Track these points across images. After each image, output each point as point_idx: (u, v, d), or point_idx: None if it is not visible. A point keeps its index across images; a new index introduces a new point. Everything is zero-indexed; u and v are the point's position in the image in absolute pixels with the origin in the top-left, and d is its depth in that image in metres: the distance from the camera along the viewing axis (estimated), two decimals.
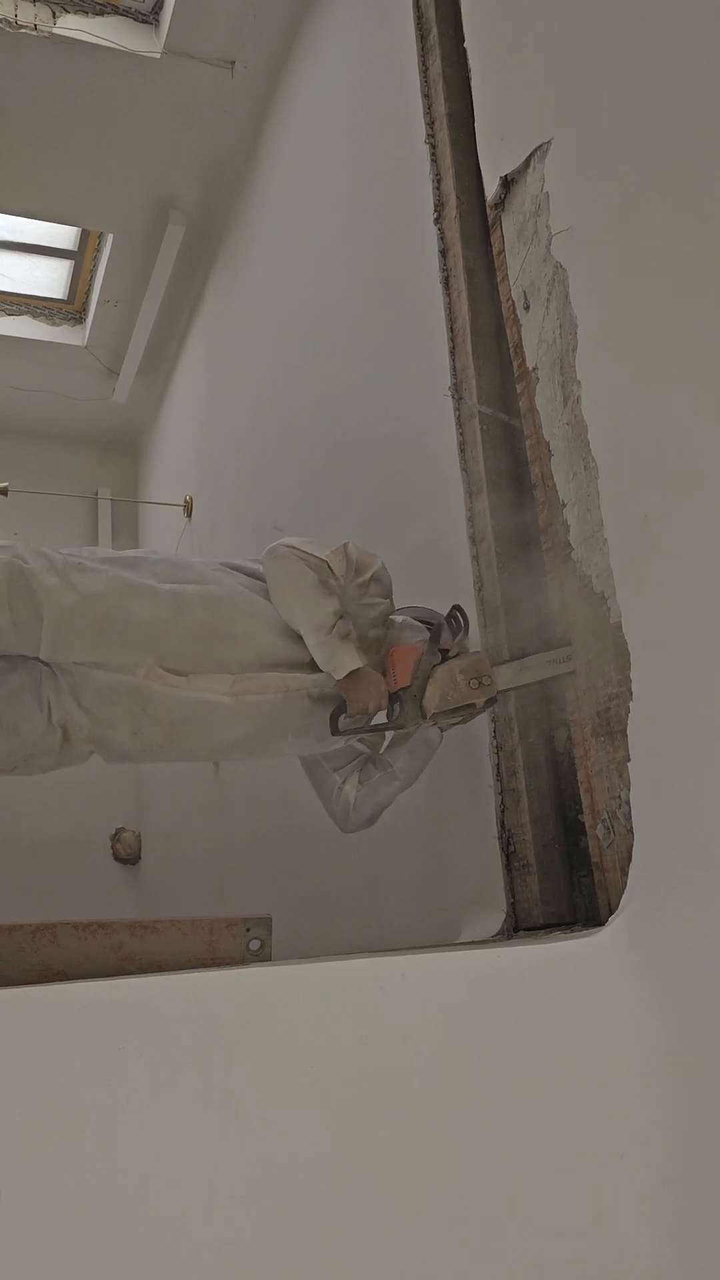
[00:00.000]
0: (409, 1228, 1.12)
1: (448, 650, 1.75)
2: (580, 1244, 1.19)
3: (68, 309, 5.05)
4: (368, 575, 1.86)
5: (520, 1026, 1.25)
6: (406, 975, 1.23)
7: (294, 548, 1.79)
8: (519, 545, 1.84)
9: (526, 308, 1.68)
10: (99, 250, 4.66)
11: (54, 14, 3.37)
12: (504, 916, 1.78)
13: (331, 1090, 1.15)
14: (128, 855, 5.17)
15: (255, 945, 1.34)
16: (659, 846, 1.32)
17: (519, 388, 1.72)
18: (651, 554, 1.35)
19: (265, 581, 1.83)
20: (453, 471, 1.99)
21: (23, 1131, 1.03)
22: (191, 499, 4.55)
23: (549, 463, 1.61)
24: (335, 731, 1.77)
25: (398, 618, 1.89)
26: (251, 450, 3.66)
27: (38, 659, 1.70)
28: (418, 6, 2.25)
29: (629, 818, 1.38)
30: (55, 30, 3.36)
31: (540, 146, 1.62)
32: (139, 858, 5.18)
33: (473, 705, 1.70)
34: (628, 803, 1.39)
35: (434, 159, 2.12)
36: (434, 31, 2.17)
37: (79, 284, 4.92)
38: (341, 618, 1.76)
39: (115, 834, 5.20)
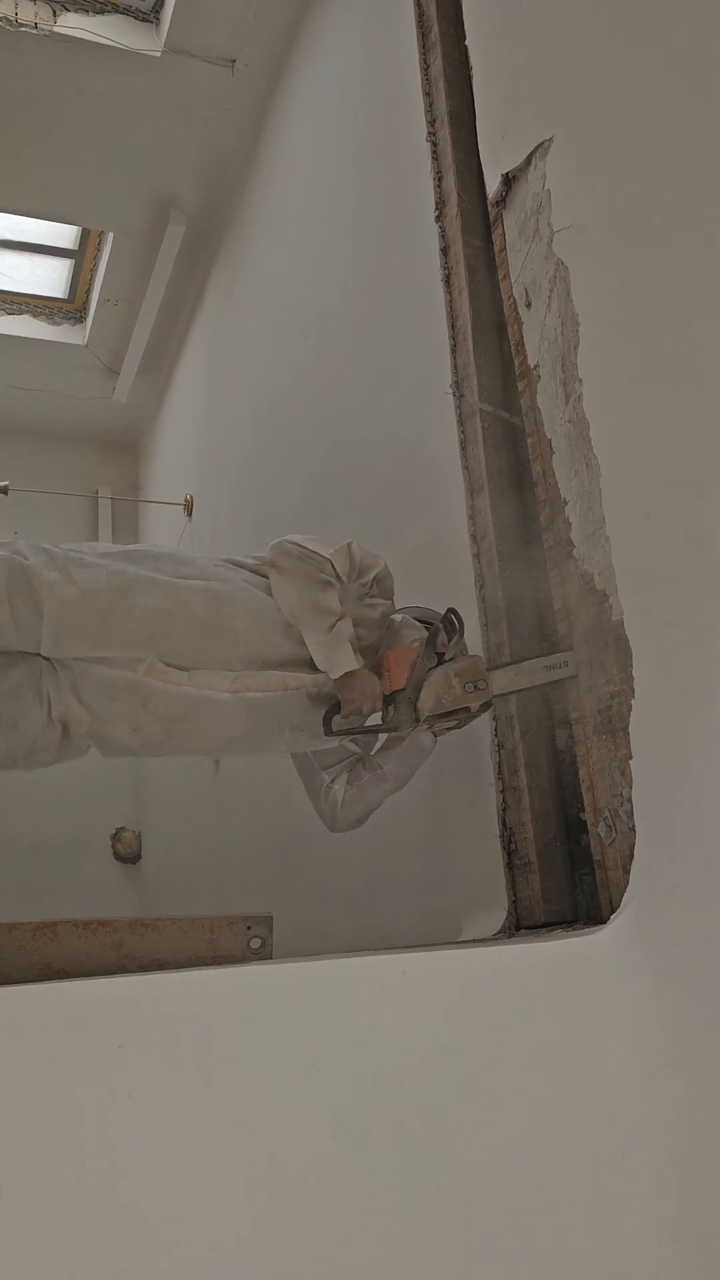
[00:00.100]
0: (409, 1226, 1.12)
1: (444, 653, 1.74)
2: (581, 1243, 1.18)
3: (68, 308, 5.05)
4: (370, 576, 1.85)
5: (521, 1025, 1.25)
6: (407, 973, 1.23)
7: (299, 544, 1.79)
8: (520, 543, 1.84)
9: (528, 305, 1.68)
10: (99, 249, 4.66)
11: (54, 12, 3.37)
12: (505, 915, 1.78)
13: (332, 1088, 1.15)
14: (128, 854, 5.18)
15: (256, 943, 1.34)
16: (661, 844, 1.32)
17: (520, 385, 1.72)
18: (653, 552, 1.35)
19: (267, 578, 1.82)
20: (454, 470, 1.99)
21: (23, 1129, 1.03)
22: (192, 498, 4.55)
23: (550, 460, 1.61)
24: (329, 731, 1.76)
25: (397, 616, 1.89)
26: (252, 449, 3.66)
27: (38, 654, 1.70)
28: (419, 5, 2.24)
29: (631, 815, 1.38)
30: (55, 29, 3.36)
31: (542, 144, 1.62)
32: (139, 857, 5.19)
33: (467, 709, 1.68)
34: (629, 800, 1.39)
35: (435, 157, 2.12)
36: (435, 29, 2.17)
37: (79, 283, 4.92)
38: (342, 617, 1.75)
39: (116, 833, 5.21)
